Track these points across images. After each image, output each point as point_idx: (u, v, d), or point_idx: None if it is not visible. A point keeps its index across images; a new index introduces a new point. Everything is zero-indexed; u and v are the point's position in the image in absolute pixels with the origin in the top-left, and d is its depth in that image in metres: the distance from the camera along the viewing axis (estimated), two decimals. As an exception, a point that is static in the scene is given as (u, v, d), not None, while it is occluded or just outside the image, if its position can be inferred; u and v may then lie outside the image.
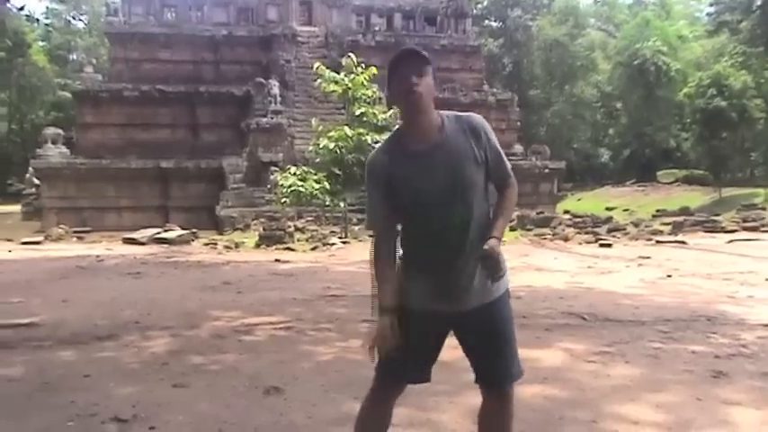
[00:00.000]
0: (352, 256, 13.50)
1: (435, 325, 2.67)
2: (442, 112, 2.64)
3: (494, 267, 2.51)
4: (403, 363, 2.66)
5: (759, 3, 38.77)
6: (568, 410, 3.94)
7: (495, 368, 2.68)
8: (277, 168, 22.56)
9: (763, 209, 24.82)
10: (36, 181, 27.10)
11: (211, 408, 4.08)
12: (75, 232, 21.76)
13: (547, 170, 29.16)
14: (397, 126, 2.75)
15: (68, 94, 36.33)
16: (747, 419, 3.72)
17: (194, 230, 19.98)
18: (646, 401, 4.07)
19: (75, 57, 55.96)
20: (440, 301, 2.61)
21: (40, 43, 53.13)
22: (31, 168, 27.35)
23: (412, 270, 2.66)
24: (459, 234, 2.56)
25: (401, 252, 2.72)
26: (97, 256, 14.19)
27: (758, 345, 5.38)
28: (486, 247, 2.50)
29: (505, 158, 2.68)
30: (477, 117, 2.65)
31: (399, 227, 2.70)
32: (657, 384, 4.40)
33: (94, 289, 9.25)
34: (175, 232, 19.27)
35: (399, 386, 2.79)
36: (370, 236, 2.78)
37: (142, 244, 17.83)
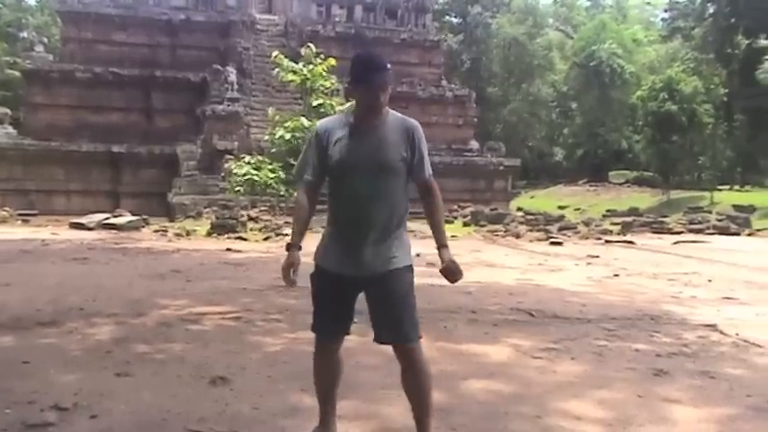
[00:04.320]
0: (304, 248, 13.41)
1: (345, 286, 3.10)
2: (390, 110, 3.11)
3: (454, 274, 3.11)
4: (326, 319, 3.17)
5: (711, 11, 39.87)
6: (513, 405, 3.98)
7: (393, 329, 3.06)
8: (232, 156, 22.31)
9: (709, 212, 25.51)
10: (-20, 161, 26.28)
11: (155, 397, 4.01)
12: (21, 215, 21.21)
13: (502, 167, 29.43)
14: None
15: (17, 73, 35.24)
16: (686, 417, 3.81)
17: (145, 217, 19.63)
18: (589, 398, 4.13)
19: (25, 35, 54.17)
20: (347, 266, 3.07)
21: (-11, 19, 51.41)
22: (-26, 148, 26.51)
23: (332, 234, 3.15)
24: (371, 206, 3.01)
25: (328, 216, 3.20)
26: (42, 241, 13.84)
27: (698, 344, 5.51)
28: (444, 262, 3.10)
29: (428, 163, 3.16)
30: (413, 121, 3.14)
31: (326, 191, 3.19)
32: (601, 381, 4.48)
33: (38, 274, 9.02)
34: (125, 218, 18.92)
35: (332, 339, 3.24)
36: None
37: (90, 229, 17.45)
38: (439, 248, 3.13)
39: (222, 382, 4.29)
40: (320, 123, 3.19)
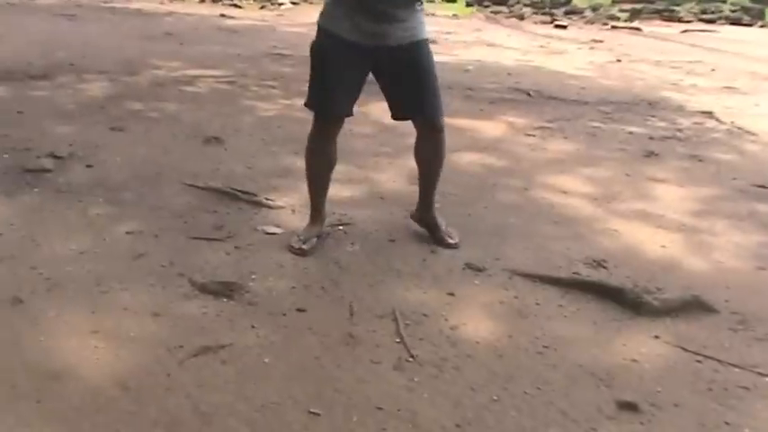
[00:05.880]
0: (301, 18, 12.95)
1: (361, 57, 2.73)
2: None
3: None
4: (334, 94, 2.78)
5: None
6: (503, 178, 4.05)
7: (426, 102, 2.87)
8: None
9: (724, 1, 24.48)
10: None
11: (150, 152, 4.05)
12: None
13: (512, -58, 27.68)
14: None
15: None
16: (669, 195, 3.90)
17: (134, -24, 18.69)
18: (577, 174, 4.20)
19: None
20: (365, 35, 2.68)
21: None
22: None
23: (341, 2, 2.71)
24: None
25: None
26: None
27: (692, 130, 5.52)
28: None
29: None
30: None
31: None
32: (591, 160, 4.53)
33: (26, 27, 8.77)
34: (113, -24, 18.00)
35: (336, 119, 2.88)
36: None
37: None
38: None
39: (216, 142, 4.32)
40: None
